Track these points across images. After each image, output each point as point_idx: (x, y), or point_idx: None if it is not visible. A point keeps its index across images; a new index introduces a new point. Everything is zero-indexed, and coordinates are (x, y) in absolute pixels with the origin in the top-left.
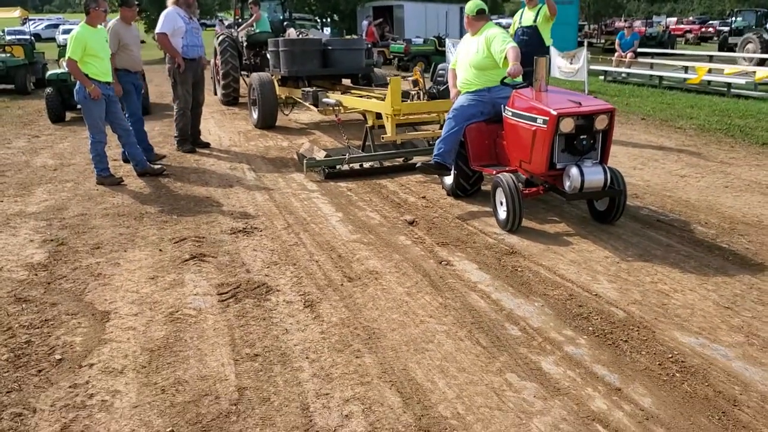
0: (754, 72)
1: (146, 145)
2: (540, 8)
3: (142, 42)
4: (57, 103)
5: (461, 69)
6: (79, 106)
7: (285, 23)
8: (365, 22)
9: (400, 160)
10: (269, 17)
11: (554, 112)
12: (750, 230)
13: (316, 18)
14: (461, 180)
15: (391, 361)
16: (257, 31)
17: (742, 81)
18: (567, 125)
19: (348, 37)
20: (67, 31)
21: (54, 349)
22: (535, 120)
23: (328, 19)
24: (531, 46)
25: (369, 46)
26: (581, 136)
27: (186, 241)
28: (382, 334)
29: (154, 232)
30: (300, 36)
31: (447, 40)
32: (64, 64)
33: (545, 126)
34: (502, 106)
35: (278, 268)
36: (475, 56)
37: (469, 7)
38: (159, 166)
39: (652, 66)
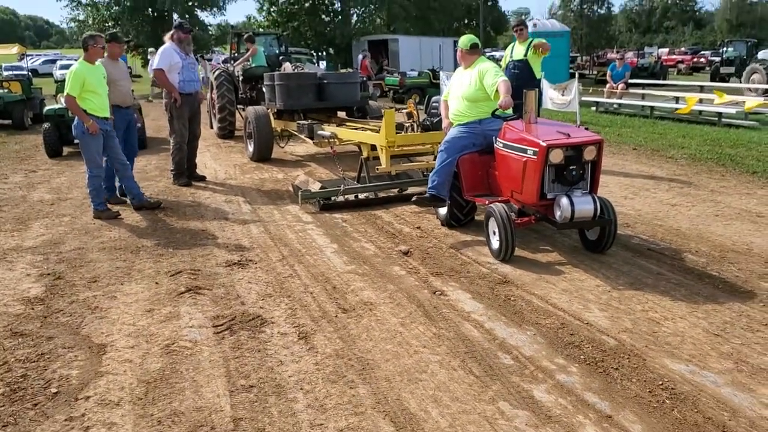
0: (744, 102)
1: (111, 184)
2: (530, 42)
3: (139, 77)
4: (54, 138)
5: (453, 101)
6: (77, 141)
7: (281, 57)
8: (360, 56)
9: (395, 190)
10: (265, 51)
11: (543, 144)
12: (740, 258)
13: (312, 52)
14: (455, 210)
15: (385, 391)
16: (253, 65)
17: (732, 110)
18: (556, 156)
19: (343, 70)
20: (64, 67)
21: (50, 383)
22: (525, 151)
23: (324, 53)
24: (522, 79)
25: (364, 79)
26: (570, 167)
27: (182, 274)
28: (376, 365)
29: (150, 265)
30: (295, 70)
31: (441, 73)
32: (63, 99)
33: (535, 157)
34: (494, 137)
35: (273, 300)
36: (467, 89)
37: (463, 42)
38: (155, 200)
39: (643, 96)
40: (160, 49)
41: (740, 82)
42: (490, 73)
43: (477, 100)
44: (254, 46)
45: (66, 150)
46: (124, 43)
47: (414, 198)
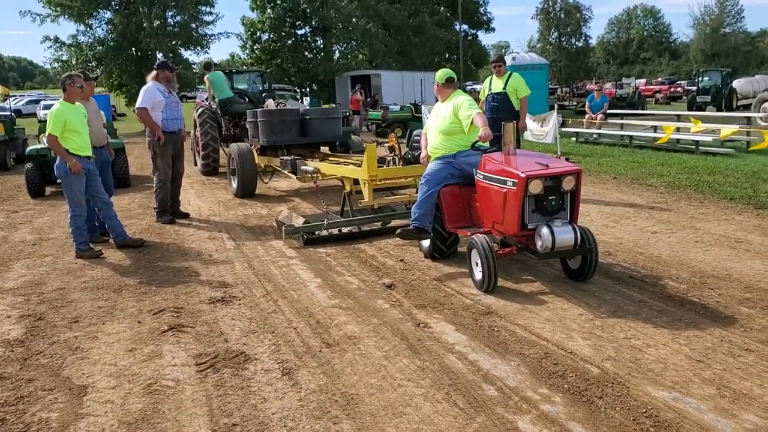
0: (719, 130)
1: (91, 225)
2: (509, 76)
3: (123, 115)
4: (37, 178)
5: (431, 135)
6: (59, 181)
7: (264, 94)
8: (352, 92)
9: (378, 224)
10: (249, 88)
11: (523, 175)
12: (720, 284)
13: (296, 88)
14: (438, 242)
15: (369, 426)
16: (218, 98)
17: (709, 138)
18: (536, 187)
19: (326, 106)
20: (48, 107)
21: (29, 426)
22: (505, 182)
23: (308, 89)
24: (501, 111)
25: (348, 113)
26: (550, 197)
27: (165, 312)
28: (360, 400)
29: (132, 304)
30: (278, 106)
31: (423, 107)
32: (45, 139)
33: (515, 188)
34: (474, 169)
35: (256, 337)
36: (442, 122)
37: (439, 75)
38: (138, 237)
39: (622, 126)
40: (143, 88)
41: (716, 111)
42: (464, 105)
43: (451, 133)
44: (207, 80)
45: (49, 190)
46: (93, 80)
47: (398, 231)
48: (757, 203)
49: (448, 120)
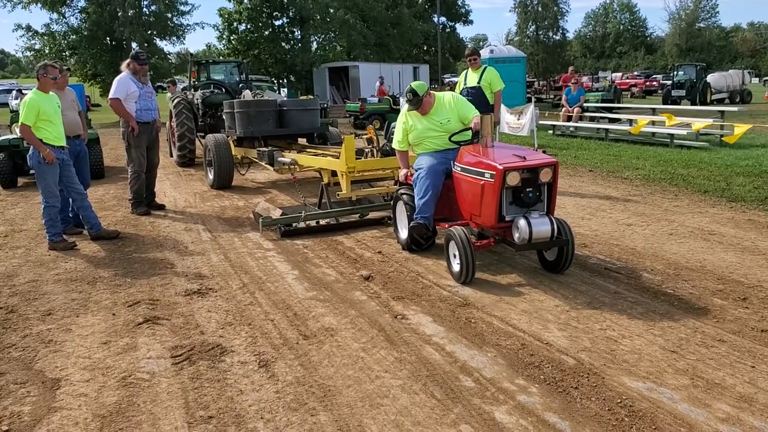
0: (692, 123)
1: (65, 216)
2: (484, 69)
3: (98, 105)
4: (9, 169)
5: (436, 139)
6: (32, 171)
7: (241, 85)
8: (378, 83)
9: (356, 216)
10: (226, 79)
11: (500, 167)
12: (693, 275)
13: (273, 79)
14: (415, 234)
15: (347, 417)
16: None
17: (684, 132)
18: (513, 179)
19: (303, 97)
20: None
21: (0, 420)
22: (483, 174)
23: (285, 80)
24: (476, 105)
25: (326, 105)
26: (527, 189)
27: (140, 305)
28: (337, 391)
29: (107, 296)
30: (255, 97)
31: (401, 99)
32: (17, 129)
33: (493, 180)
34: (452, 161)
35: (233, 329)
36: (451, 125)
37: (422, 87)
38: (113, 229)
39: (598, 120)
40: (117, 78)
41: (690, 105)
42: (466, 104)
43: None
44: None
45: (21, 181)
46: (66, 71)
47: (411, 224)
48: (730, 196)
49: (457, 123)
